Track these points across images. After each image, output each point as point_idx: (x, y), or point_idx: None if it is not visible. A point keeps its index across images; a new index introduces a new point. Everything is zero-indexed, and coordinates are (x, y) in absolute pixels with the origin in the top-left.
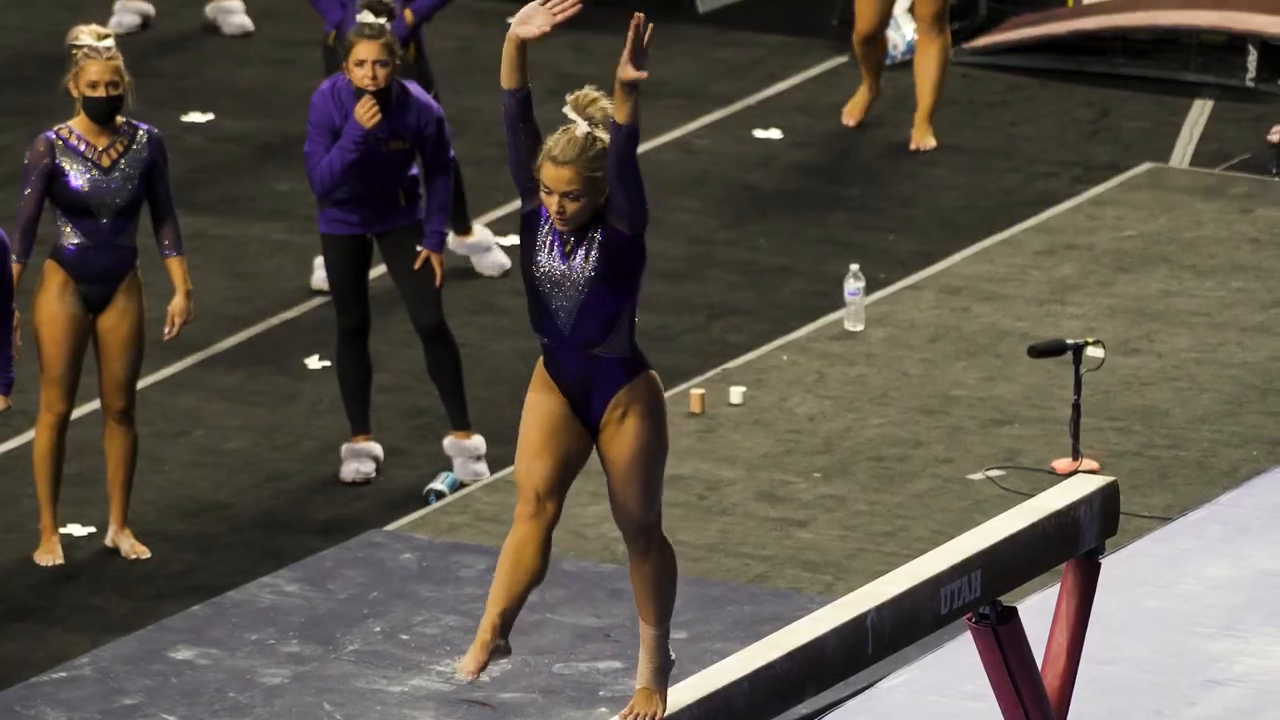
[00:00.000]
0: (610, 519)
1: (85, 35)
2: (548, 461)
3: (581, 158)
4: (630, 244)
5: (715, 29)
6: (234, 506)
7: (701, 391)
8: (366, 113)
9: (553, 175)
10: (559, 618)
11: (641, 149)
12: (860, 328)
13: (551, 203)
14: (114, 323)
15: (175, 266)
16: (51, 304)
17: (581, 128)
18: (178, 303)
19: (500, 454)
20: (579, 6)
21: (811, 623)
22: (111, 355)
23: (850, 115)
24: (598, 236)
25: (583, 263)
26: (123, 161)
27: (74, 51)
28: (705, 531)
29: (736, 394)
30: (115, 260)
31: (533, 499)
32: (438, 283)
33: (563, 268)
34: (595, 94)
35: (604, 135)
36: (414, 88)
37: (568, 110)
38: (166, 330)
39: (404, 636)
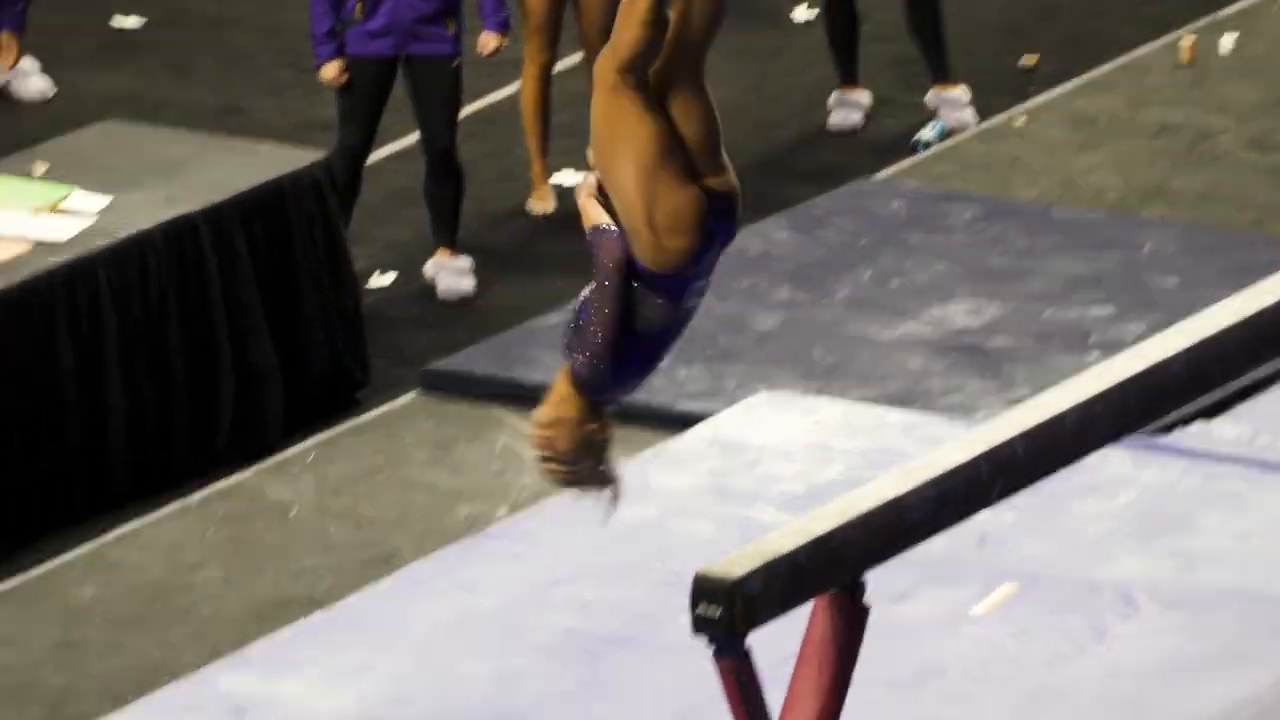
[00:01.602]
0: (1103, 169)
1: None
2: None
3: None
4: None
5: None
6: None
7: (1192, 40)
8: None
9: None
10: (1049, 265)
11: None
12: None
13: None
14: None
15: None
16: None
17: None
18: None
19: (984, 103)
20: None
21: None
22: (588, 2)
23: None
24: None
25: None
26: None
27: None
28: (1195, 180)
29: (1228, 42)
30: None
31: None
32: None
33: None
34: None
35: None
36: None
37: None
38: None
39: (893, 283)
